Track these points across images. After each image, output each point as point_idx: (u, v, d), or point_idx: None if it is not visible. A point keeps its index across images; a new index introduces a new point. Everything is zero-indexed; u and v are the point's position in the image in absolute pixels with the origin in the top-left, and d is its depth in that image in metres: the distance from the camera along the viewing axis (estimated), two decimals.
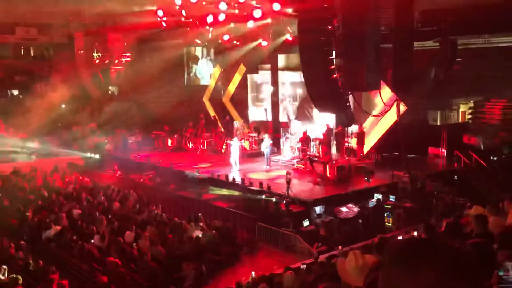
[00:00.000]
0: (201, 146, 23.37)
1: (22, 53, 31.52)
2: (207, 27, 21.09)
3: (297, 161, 19.34)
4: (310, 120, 21.39)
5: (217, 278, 11.92)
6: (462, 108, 21.59)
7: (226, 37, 21.82)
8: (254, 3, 18.24)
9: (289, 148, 20.76)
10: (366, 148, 19.21)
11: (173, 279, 11.07)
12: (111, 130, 26.02)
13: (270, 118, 23.38)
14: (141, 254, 11.30)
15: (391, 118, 18.08)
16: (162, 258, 11.55)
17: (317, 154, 18.91)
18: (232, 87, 25.93)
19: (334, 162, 17.75)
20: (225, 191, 17.17)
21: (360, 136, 18.94)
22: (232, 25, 20.67)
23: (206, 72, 28.22)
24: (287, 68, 23.09)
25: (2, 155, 23.03)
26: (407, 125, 17.85)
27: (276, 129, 22.29)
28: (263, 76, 24.48)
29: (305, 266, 10.30)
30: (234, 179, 17.64)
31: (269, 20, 19.24)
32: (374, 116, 18.75)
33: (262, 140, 20.76)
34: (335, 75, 14.87)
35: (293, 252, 13.31)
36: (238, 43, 22.77)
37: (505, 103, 19.88)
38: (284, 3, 17.34)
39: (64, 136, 26.03)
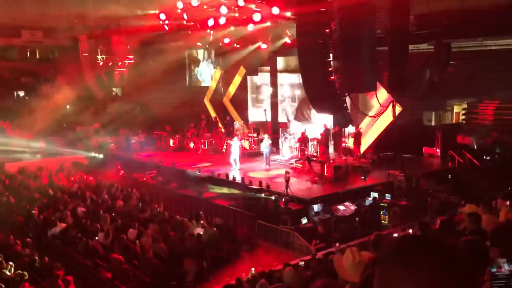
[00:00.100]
0: (202, 146, 23.36)
1: (28, 55, 31.48)
2: (208, 30, 21.09)
3: (295, 161, 19.33)
4: (308, 120, 21.39)
5: (217, 274, 11.92)
6: (456, 109, 21.59)
7: (226, 40, 21.81)
8: (253, 7, 18.24)
9: (288, 148, 20.75)
10: (363, 148, 19.21)
11: (174, 275, 11.08)
12: (115, 130, 25.99)
13: (269, 119, 23.38)
14: (143, 251, 11.31)
15: (387, 118, 18.08)
16: (164, 255, 11.56)
17: (315, 154, 18.91)
18: (232, 89, 25.93)
19: (331, 161, 17.75)
20: (225, 190, 17.17)
21: (357, 136, 18.95)
22: (232, 28, 20.67)
23: (207, 74, 28.25)
24: (286, 70, 23.09)
25: (9, 154, 23.00)
26: (403, 126, 17.84)
27: (275, 129, 22.30)
28: (263, 78, 24.48)
29: (303, 262, 10.31)
30: (234, 178, 17.64)
31: (268, 24, 19.25)
32: (370, 116, 18.75)
33: (261, 140, 20.76)
34: (332, 77, 14.87)
35: (291, 249, 13.32)
36: (238, 45, 22.76)
37: (497, 104, 19.88)
38: (283, 7, 17.34)
39: (69, 136, 26.00)
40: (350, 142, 19.24)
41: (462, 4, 16.90)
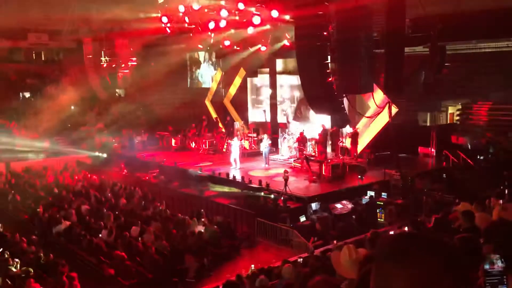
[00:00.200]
0: (203, 146, 23.34)
1: (34, 57, 31.46)
2: (209, 33, 21.07)
3: (294, 160, 19.32)
4: (306, 121, 21.38)
5: (218, 271, 11.92)
6: (451, 110, 21.60)
7: (227, 43, 21.80)
8: (253, 10, 18.23)
9: (287, 147, 20.74)
10: (360, 148, 19.20)
11: (176, 271, 11.09)
12: (118, 130, 25.99)
13: (268, 119, 23.37)
14: (146, 248, 11.31)
15: (383, 119, 18.08)
16: (166, 252, 11.56)
17: (313, 154, 18.89)
18: (232, 90, 25.92)
19: (329, 161, 17.74)
20: (226, 189, 17.16)
21: (354, 136, 18.94)
22: (232, 31, 20.65)
23: (208, 75, 28.23)
24: (285, 72, 23.08)
25: (15, 154, 22.99)
26: (399, 126, 17.85)
27: (274, 129, 22.28)
28: (262, 79, 24.47)
29: (301, 259, 10.29)
30: (234, 177, 17.63)
31: (267, 26, 19.23)
32: (367, 117, 18.75)
33: (261, 140, 20.73)
34: (330, 79, 14.87)
35: (290, 246, 13.31)
36: (238, 48, 22.75)
37: (491, 105, 19.90)
38: (282, 10, 17.33)
39: (73, 136, 25.99)
40: (347, 142, 19.23)
41: (456, 7, 16.89)
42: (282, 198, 14.98)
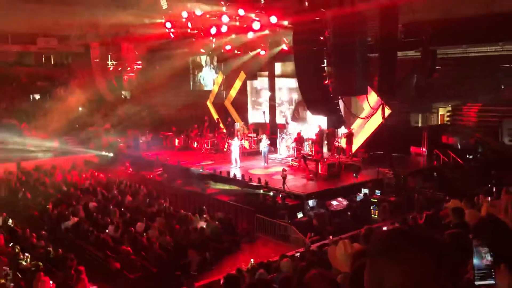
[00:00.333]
0: (205, 146, 23.33)
1: (43, 61, 31.45)
2: (211, 38, 21.05)
3: (292, 159, 19.32)
4: (304, 122, 21.38)
5: (219, 265, 11.91)
6: (441, 111, 21.60)
7: (228, 47, 21.80)
8: (253, 16, 18.23)
9: (285, 147, 20.73)
10: (354, 148, 19.20)
11: (179, 265, 11.08)
12: (124, 131, 25.97)
13: (267, 120, 23.36)
14: (150, 243, 11.30)
15: (377, 120, 18.09)
16: (170, 247, 11.55)
17: (310, 153, 18.90)
18: (233, 92, 25.91)
19: (325, 160, 17.75)
20: (226, 186, 17.14)
21: (349, 137, 18.94)
22: (233, 36, 20.65)
23: (209, 78, 28.24)
24: (283, 75, 23.08)
25: (25, 153, 22.97)
26: (392, 127, 17.87)
27: (273, 130, 22.27)
28: (262, 82, 24.46)
29: (299, 254, 10.29)
30: (235, 175, 17.62)
31: (267, 32, 19.23)
32: (361, 118, 18.76)
33: (260, 140, 20.73)
34: (326, 82, 14.88)
35: (288, 241, 13.30)
36: (239, 52, 22.74)
37: (480, 107, 19.89)
38: (281, 16, 17.33)
39: (81, 136, 25.97)
40: (342, 142, 19.23)
41: (446, 14, 16.89)
42: (280, 195, 14.98)
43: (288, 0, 17.08)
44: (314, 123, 19.62)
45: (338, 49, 14.30)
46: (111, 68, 28.84)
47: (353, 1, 14.24)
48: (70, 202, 15.13)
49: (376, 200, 14.82)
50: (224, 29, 19.53)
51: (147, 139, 25.51)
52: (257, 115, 24.69)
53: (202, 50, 24.62)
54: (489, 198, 6.75)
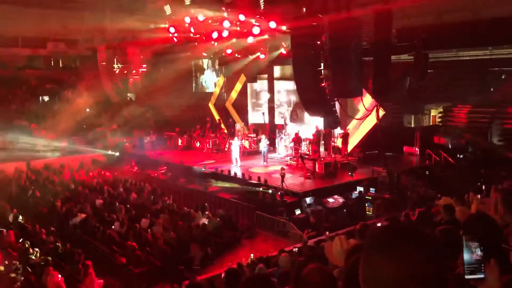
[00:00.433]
0: (207, 145, 23.32)
1: (52, 64, 31.41)
2: (213, 42, 21.05)
3: (290, 158, 19.31)
4: (302, 122, 21.37)
5: (221, 259, 11.90)
6: (433, 112, 21.60)
7: (229, 51, 21.78)
8: (253, 21, 18.23)
9: (284, 147, 20.73)
10: (350, 147, 19.20)
11: (182, 260, 11.07)
12: (129, 131, 25.96)
13: (267, 121, 23.35)
14: (155, 238, 11.30)
15: (371, 121, 18.08)
16: (173, 242, 11.55)
17: (308, 152, 18.89)
18: (234, 94, 25.91)
19: (322, 159, 17.74)
20: (227, 184, 17.14)
21: (345, 137, 18.94)
22: (234, 40, 20.64)
23: (211, 81, 28.22)
24: (282, 78, 23.07)
25: (35, 153, 22.97)
26: (385, 127, 17.87)
27: (272, 130, 22.27)
28: (261, 84, 24.45)
29: (297, 249, 10.29)
30: (235, 174, 17.62)
31: (266, 36, 19.23)
32: (357, 119, 18.75)
33: (260, 140, 20.73)
34: (323, 84, 14.90)
35: (287, 237, 13.30)
36: (239, 55, 22.74)
37: (470, 109, 19.89)
38: (279, 21, 17.33)
39: (89, 136, 25.95)
40: (338, 142, 19.22)
41: (438, 19, 16.92)
42: (279, 193, 14.98)
43: (286, 6, 17.07)
44: (312, 123, 19.61)
45: (334, 53, 14.31)
46: (117, 71, 28.82)
47: (349, 7, 14.24)
48: (78, 200, 15.12)
49: (370, 198, 14.83)
50: (225, 33, 19.53)
51: (151, 139, 25.50)
52: (257, 116, 24.68)
53: (204, 54, 24.63)
54: (478, 195, 6.73)
